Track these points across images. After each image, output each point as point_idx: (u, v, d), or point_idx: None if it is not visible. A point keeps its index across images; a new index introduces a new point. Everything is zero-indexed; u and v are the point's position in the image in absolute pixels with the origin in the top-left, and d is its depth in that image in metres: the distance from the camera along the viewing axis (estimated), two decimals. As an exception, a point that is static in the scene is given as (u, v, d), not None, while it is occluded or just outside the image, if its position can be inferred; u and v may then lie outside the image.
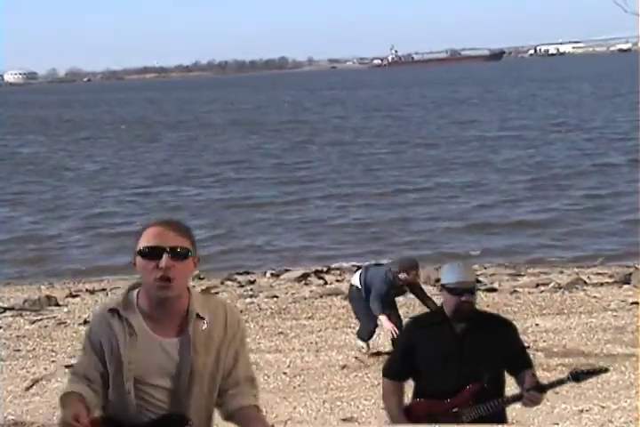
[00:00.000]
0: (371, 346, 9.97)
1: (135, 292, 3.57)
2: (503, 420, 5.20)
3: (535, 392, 5.05)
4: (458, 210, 21.57)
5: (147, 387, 3.52)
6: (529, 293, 13.18)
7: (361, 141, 39.16)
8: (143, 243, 3.35)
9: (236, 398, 3.60)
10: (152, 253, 3.32)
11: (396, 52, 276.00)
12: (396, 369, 5.30)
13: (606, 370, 5.31)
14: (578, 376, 5.12)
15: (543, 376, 8.05)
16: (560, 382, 5.18)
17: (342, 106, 68.56)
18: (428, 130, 43.43)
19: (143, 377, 3.51)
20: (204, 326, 3.50)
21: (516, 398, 5.10)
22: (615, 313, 11.47)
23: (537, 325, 10.88)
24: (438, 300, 12.18)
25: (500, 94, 72.09)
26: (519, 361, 5.21)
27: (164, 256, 3.33)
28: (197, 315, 3.51)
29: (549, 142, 34.37)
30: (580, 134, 37.39)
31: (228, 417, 3.65)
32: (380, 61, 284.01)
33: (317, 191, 25.25)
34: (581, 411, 7.71)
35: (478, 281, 5.29)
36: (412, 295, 13.28)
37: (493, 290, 13.22)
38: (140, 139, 46.36)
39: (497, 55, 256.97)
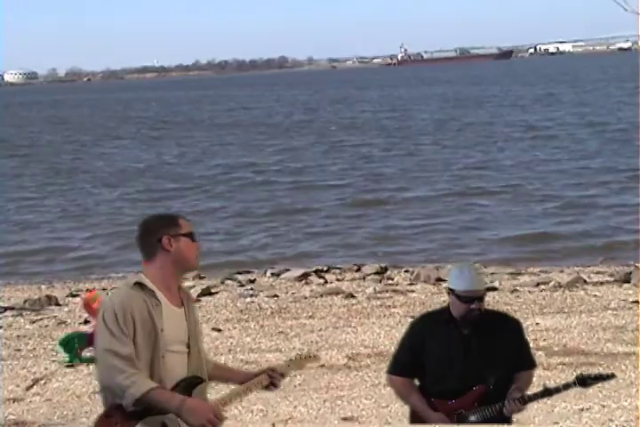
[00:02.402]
0: (371, 345, 9.97)
1: (141, 275, 4.23)
2: (508, 423, 5.13)
3: (517, 403, 4.98)
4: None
5: (167, 353, 4.11)
6: (529, 292, 13.19)
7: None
8: (188, 229, 4.26)
9: (207, 357, 4.43)
10: (195, 237, 4.28)
11: (405, 50, 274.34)
12: (405, 366, 5.20)
13: (613, 376, 5.24)
14: (585, 381, 5.04)
15: (544, 375, 8.07)
16: (566, 387, 5.09)
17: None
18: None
19: (167, 344, 4.11)
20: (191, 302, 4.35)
21: (524, 400, 5.02)
22: (615, 312, 11.48)
23: (537, 324, 10.88)
24: (437, 298, 12.25)
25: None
26: (520, 359, 5.14)
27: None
28: (184, 292, 4.34)
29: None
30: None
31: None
32: (389, 60, 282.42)
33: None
34: (582, 410, 7.72)
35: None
36: (414, 294, 13.33)
37: (494, 289, 13.22)
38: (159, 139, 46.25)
39: (506, 54, 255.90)
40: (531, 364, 5.27)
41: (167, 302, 4.16)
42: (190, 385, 4.17)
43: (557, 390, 5.09)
